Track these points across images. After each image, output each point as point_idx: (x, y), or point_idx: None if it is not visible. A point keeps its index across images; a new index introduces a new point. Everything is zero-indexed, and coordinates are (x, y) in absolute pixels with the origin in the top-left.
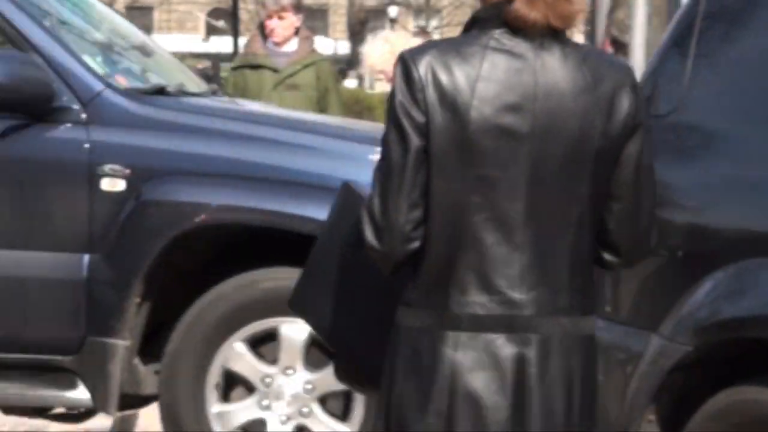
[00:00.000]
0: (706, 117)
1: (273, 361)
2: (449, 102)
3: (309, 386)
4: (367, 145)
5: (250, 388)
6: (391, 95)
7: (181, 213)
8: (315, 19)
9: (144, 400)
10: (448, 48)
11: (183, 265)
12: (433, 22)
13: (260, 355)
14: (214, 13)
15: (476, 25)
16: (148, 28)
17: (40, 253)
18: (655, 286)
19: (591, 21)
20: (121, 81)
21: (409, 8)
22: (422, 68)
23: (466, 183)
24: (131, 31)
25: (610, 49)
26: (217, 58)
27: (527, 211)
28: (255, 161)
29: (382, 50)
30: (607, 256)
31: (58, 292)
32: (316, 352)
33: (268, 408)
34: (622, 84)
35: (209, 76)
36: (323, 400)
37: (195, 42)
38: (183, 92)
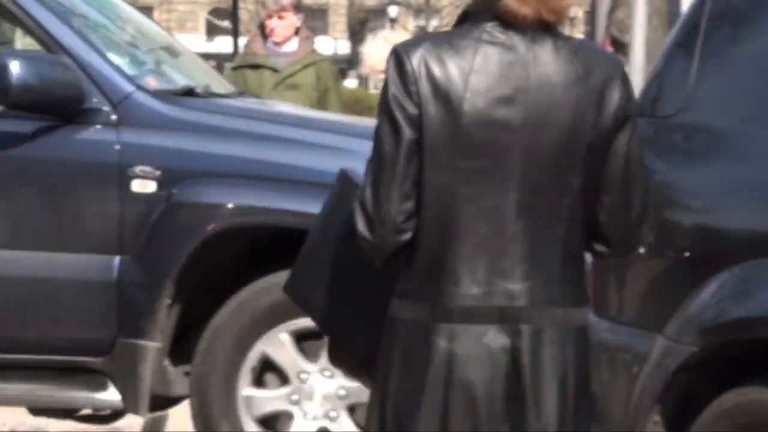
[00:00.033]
0: (712, 117)
1: (313, 358)
2: (442, 94)
3: (342, 392)
4: None
5: (284, 380)
6: (384, 88)
7: (212, 214)
8: (315, 19)
9: (172, 401)
10: (441, 41)
11: (213, 266)
12: (433, 22)
13: (302, 350)
14: (214, 13)
15: (468, 19)
16: None
17: (71, 255)
18: (661, 287)
19: (591, 21)
20: (151, 82)
21: (409, 8)
22: (415, 61)
23: (458, 175)
24: (157, 31)
25: (610, 49)
26: (218, 58)
27: (519, 203)
28: (285, 163)
29: (382, 50)
30: (598, 248)
31: (89, 294)
32: None
33: (297, 403)
34: (612, 76)
35: None
36: (352, 409)
37: (195, 42)
38: (211, 93)
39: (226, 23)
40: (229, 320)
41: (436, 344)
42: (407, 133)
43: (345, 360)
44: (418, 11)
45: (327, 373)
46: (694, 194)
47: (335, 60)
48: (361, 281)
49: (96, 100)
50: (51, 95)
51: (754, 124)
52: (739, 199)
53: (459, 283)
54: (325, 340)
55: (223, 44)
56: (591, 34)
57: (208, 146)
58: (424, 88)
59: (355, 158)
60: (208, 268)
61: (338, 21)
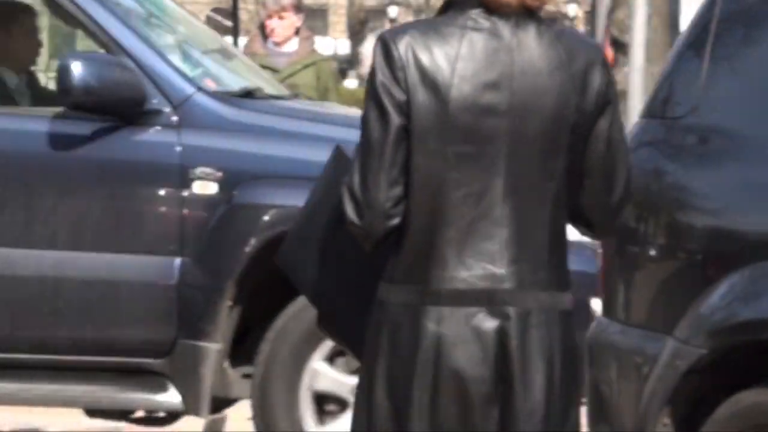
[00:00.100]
0: (722, 119)
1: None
2: (430, 81)
3: None
4: None
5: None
6: (371, 75)
7: (273, 216)
8: (315, 19)
9: (228, 403)
10: (427, 28)
11: (273, 268)
12: None
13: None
14: (215, 13)
15: (452, 6)
16: None
17: (132, 256)
18: (671, 289)
19: (591, 21)
20: (210, 84)
21: (408, 8)
22: (402, 48)
23: (446, 160)
24: (210, 33)
25: (610, 49)
26: None
27: (506, 187)
28: None
29: None
30: (580, 230)
31: (150, 295)
32: None
33: None
34: (594, 61)
35: None
36: None
37: None
38: (267, 95)
39: (227, 22)
40: (291, 323)
41: (424, 327)
42: (395, 119)
43: (332, 332)
44: (418, 11)
45: None
46: (703, 196)
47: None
48: (350, 264)
49: (157, 102)
50: (112, 96)
51: (764, 125)
52: (749, 201)
53: (447, 266)
54: None
55: None
56: (591, 34)
57: (268, 148)
58: (412, 74)
59: None
60: (269, 269)
61: (338, 21)
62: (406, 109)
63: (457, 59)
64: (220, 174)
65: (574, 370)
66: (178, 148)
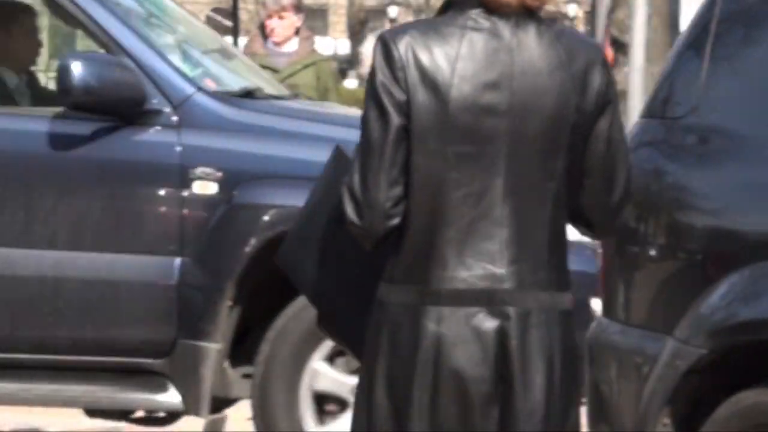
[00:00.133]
0: (722, 119)
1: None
2: (430, 81)
3: None
4: None
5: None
6: (371, 75)
7: (273, 216)
8: (315, 19)
9: (228, 403)
10: (427, 28)
11: (273, 268)
12: None
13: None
14: (215, 13)
15: (452, 6)
16: None
17: (132, 256)
18: (671, 289)
19: (591, 21)
20: (210, 84)
21: (408, 8)
22: (402, 48)
23: (446, 160)
24: (210, 33)
25: (610, 49)
26: None
27: (506, 187)
28: None
29: None
30: (580, 230)
31: (149, 295)
32: None
33: None
34: (594, 61)
35: None
36: None
37: None
38: (267, 95)
39: (227, 22)
40: (291, 323)
41: (424, 327)
42: (395, 119)
43: (332, 332)
44: (418, 11)
45: None
46: (703, 196)
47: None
48: (350, 264)
49: (156, 102)
50: (112, 96)
51: (764, 125)
52: (749, 201)
53: (447, 266)
54: None
55: None
56: (591, 34)
57: (268, 148)
58: (412, 74)
59: None
60: (269, 269)
61: (338, 21)
62: (406, 109)
63: (457, 59)
64: (220, 174)
65: (574, 370)
66: (178, 148)
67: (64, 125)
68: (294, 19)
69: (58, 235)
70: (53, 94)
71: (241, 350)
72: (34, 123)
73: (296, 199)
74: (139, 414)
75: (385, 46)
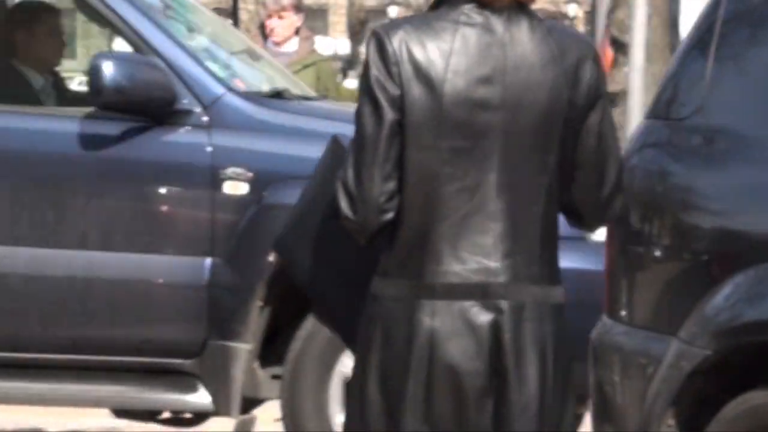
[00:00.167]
0: (727, 120)
1: None
2: (424, 76)
3: None
4: None
5: None
6: (365, 70)
7: None
8: (315, 19)
9: (257, 403)
10: (421, 23)
11: None
12: None
13: None
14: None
15: (445, 1)
16: None
17: (162, 257)
18: (675, 290)
19: (591, 21)
20: (240, 84)
21: (408, 8)
22: (396, 43)
23: (440, 154)
24: (237, 34)
25: (610, 49)
26: None
27: (500, 181)
28: None
29: None
30: (571, 223)
31: (180, 296)
32: None
33: None
34: (585, 56)
35: None
36: None
37: None
38: (296, 96)
39: (229, 22)
40: (320, 324)
41: (418, 321)
42: (389, 114)
43: (327, 321)
44: (417, 11)
45: None
46: (708, 196)
47: (335, 60)
48: (345, 251)
49: (187, 102)
50: (142, 96)
51: None
52: (754, 202)
53: (441, 260)
54: None
55: None
56: (591, 34)
57: (299, 148)
58: (406, 69)
59: None
60: None
61: (338, 21)
62: (399, 103)
63: (451, 54)
64: (250, 174)
65: (567, 364)
66: (209, 149)
67: (94, 125)
68: (294, 19)
69: (88, 235)
70: (78, 94)
71: (271, 351)
72: (64, 123)
73: None
74: (166, 415)
75: (379, 41)
